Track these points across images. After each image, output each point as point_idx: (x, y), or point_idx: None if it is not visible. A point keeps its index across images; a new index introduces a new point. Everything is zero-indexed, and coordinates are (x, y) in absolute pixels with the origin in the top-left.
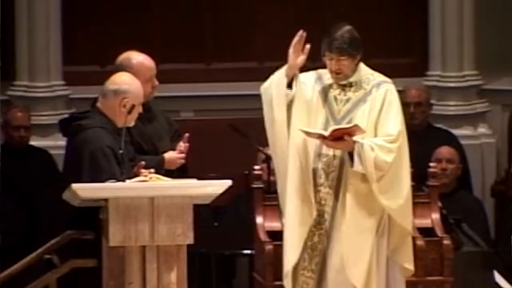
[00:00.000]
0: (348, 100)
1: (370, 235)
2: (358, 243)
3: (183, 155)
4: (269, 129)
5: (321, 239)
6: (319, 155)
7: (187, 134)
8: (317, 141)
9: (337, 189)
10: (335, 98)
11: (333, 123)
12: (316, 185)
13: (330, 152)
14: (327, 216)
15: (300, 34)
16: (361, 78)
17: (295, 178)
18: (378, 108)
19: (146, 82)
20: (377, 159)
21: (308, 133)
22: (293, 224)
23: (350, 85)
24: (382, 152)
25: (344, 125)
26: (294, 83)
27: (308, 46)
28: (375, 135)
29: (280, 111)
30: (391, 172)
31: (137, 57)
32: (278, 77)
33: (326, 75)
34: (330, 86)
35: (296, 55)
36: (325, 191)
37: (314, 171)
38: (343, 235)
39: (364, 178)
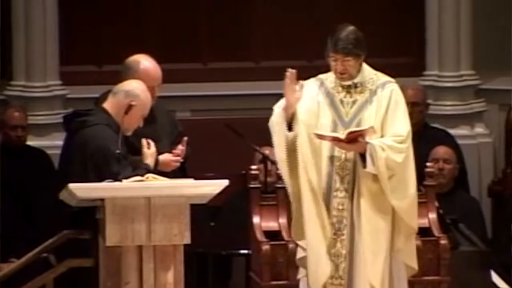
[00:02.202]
0: (354, 102)
1: (384, 235)
2: (375, 244)
3: (178, 158)
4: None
5: (343, 245)
6: (331, 158)
7: (185, 138)
8: (328, 145)
9: (352, 191)
10: (341, 101)
11: (342, 125)
12: (331, 190)
13: (342, 155)
14: (345, 221)
15: (290, 72)
16: (365, 79)
17: (309, 197)
18: (384, 108)
19: (149, 89)
20: (388, 159)
21: (322, 136)
22: (317, 239)
23: (355, 86)
24: (392, 152)
25: (359, 128)
26: (294, 123)
27: (301, 82)
28: (382, 135)
29: (280, 151)
30: (400, 172)
31: (146, 63)
32: (278, 116)
33: (327, 79)
34: (334, 89)
35: (291, 94)
36: (342, 195)
37: (329, 176)
38: (362, 237)
39: (375, 178)
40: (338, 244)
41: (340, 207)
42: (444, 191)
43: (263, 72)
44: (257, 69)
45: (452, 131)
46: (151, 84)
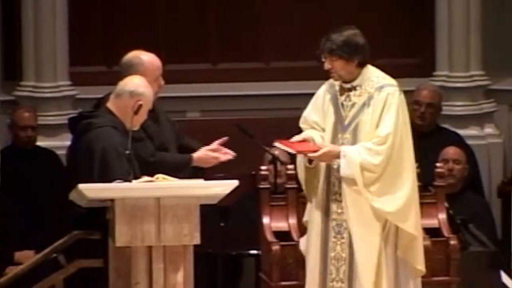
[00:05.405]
0: (353, 105)
1: (375, 237)
2: (365, 246)
3: (216, 154)
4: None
5: (343, 248)
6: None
7: (226, 138)
8: None
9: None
10: (342, 105)
11: (341, 129)
12: (330, 194)
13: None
14: (345, 225)
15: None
16: (364, 82)
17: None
18: (379, 111)
19: (153, 81)
20: (364, 162)
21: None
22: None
23: (354, 89)
24: (369, 155)
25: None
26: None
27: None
28: None
29: (300, 176)
30: (387, 176)
31: (146, 56)
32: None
33: (336, 82)
34: (339, 92)
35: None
36: (341, 199)
37: (327, 180)
38: (353, 241)
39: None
40: (338, 248)
41: (339, 210)
42: (453, 191)
43: (273, 72)
44: (267, 69)
45: (461, 132)
46: (157, 72)
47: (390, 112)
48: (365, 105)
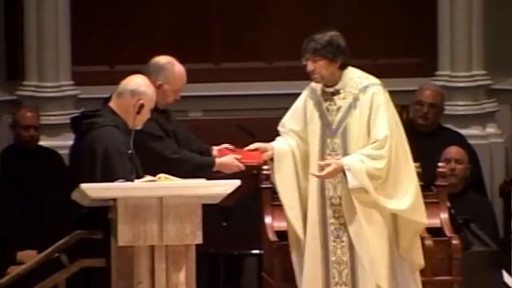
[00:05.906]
0: (338, 109)
1: (384, 239)
2: (376, 248)
3: (238, 163)
4: None
5: (344, 251)
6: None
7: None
8: (318, 153)
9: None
10: (327, 109)
11: (329, 133)
12: (325, 199)
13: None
14: (344, 228)
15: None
16: (346, 84)
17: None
18: (367, 113)
19: (175, 92)
20: (369, 169)
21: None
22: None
23: (338, 92)
24: (372, 161)
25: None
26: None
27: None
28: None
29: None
30: (391, 177)
31: (179, 67)
32: None
33: (318, 87)
34: (322, 97)
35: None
36: (337, 203)
37: (322, 185)
38: (364, 243)
39: (364, 189)
40: (339, 251)
41: (337, 214)
42: (455, 191)
43: (274, 72)
44: (268, 69)
45: (464, 131)
46: (183, 84)
47: (381, 113)
48: (351, 107)
